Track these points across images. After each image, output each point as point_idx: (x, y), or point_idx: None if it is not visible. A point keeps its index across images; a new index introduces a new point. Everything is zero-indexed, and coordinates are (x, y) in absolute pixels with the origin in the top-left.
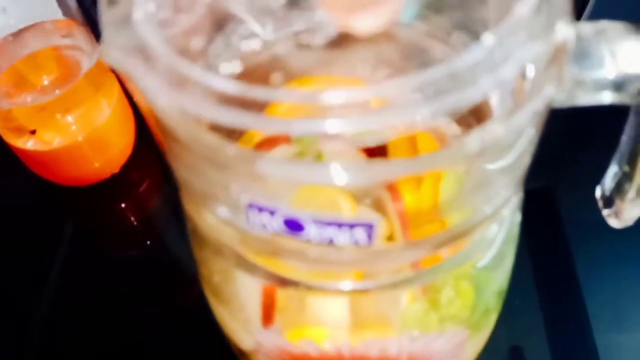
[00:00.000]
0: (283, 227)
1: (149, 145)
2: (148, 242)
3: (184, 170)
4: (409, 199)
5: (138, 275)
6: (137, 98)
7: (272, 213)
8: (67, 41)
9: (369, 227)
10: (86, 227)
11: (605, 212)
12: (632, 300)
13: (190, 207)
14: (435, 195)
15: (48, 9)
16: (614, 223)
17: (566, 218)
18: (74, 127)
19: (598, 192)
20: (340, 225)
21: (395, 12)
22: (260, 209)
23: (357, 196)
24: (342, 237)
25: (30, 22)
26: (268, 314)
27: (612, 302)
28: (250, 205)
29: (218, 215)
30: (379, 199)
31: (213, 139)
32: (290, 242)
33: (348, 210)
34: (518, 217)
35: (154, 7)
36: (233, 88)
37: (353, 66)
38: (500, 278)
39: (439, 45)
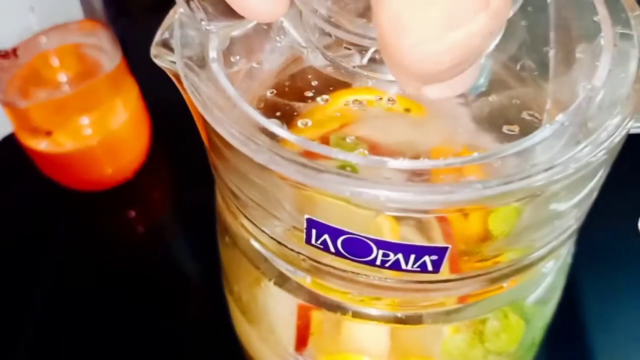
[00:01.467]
0: (347, 248)
1: (163, 153)
2: (156, 252)
3: (236, 182)
4: (461, 229)
5: (144, 286)
6: (192, 109)
7: (336, 234)
8: (89, 40)
9: (441, 252)
10: (92, 234)
11: None
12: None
13: (232, 220)
14: (488, 227)
15: (75, 10)
16: None
17: None
18: (89, 131)
19: None
20: (411, 250)
21: (467, 85)
22: (323, 229)
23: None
24: (410, 263)
25: (57, 22)
26: (302, 338)
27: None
28: (312, 224)
29: (267, 229)
30: (423, 226)
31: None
32: (343, 264)
33: (389, 233)
34: (572, 249)
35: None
36: (297, 141)
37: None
38: (550, 311)
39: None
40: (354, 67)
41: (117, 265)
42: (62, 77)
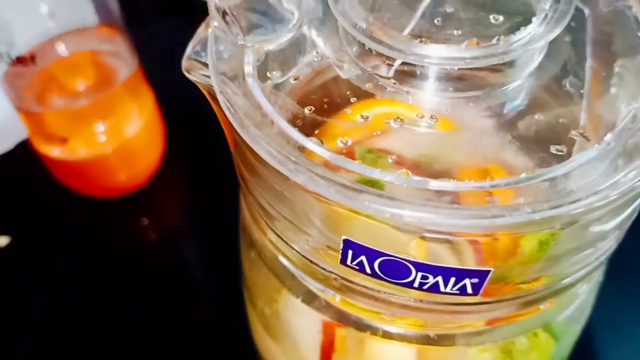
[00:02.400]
0: (384, 270)
1: (178, 159)
2: (169, 261)
3: (269, 198)
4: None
5: (157, 294)
6: (225, 125)
7: (374, 256)
8: (106, 46)
9: (483, 275)
10: (105, 241)
11: None
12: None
13: (260, 236)
14: (530, 250)
15: (91, 16)
16: None
17: None
18: (104, 138)
19: None
20: (451, 272)
21: None
22: (360, 251)
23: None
24: (449, 285)
25: (73, 27)
26: (327, 354)
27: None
28: (349, 245)
29: (297, 246)
30: (456, 248)
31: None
32: (373, 283)
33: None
34: (604, 267)
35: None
36: (345, 164)
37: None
38: (580, 328)
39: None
40: (394, 82)
41: (130, 272)
42: (79, 85)
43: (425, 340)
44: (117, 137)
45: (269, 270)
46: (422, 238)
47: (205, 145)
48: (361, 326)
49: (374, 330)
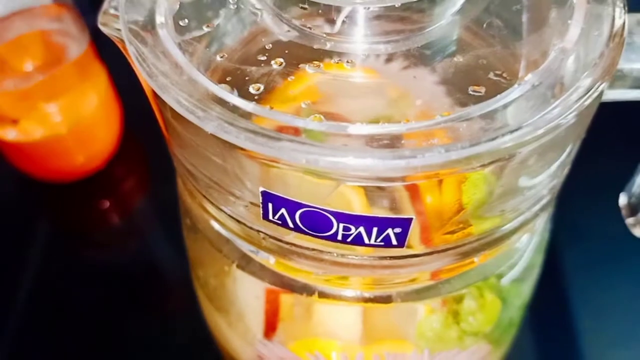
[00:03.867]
0: (306, 223)
1: (136, 141)
2: (132, 244)
3: (189, 157)
4: (429, 198)
5: (121, 279)
6: (141, 79)
7: (294, 208)
8: (55, 25)
9: (405, 224)
10: (66, 227)
11: (629, 221)
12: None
13: (191, 201)
14: (458, 196)
15: None
16: (638, 232)
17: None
18: (58, 118)
19: (623, 200)
20: (372, 222)
21: None
22: (280, 203)
23: (370, 195)
24: (373, 236)
25: (21, 8)
26: (271, 323)
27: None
28: (268, 198)
29: (226, 207)
30: (395, 199)
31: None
32: (305, 241)
33: (358, 207)
34: (549, 225)
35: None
36: (255, 110)
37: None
38: (528, 290)
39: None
40: (311, 29)
41: (92, 256)
42: (28, 66)
43: (364, 299)
44: (70, 116)
45: (204, 237)
46: (355, 189)
47: None
48: (298, 289)
49: (310, 292)
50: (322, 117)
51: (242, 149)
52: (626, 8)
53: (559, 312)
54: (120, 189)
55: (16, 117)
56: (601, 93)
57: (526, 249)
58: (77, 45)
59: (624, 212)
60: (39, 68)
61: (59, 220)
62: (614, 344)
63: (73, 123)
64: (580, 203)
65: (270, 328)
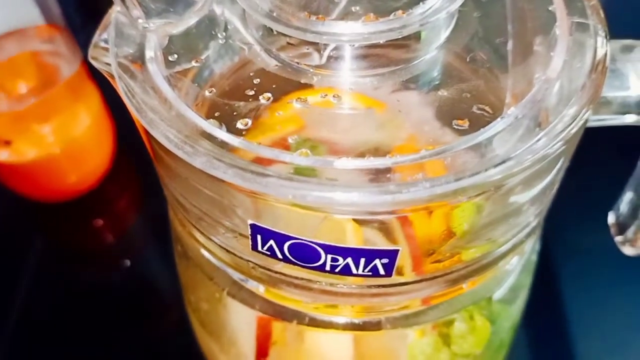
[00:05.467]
0: (295, 254)
1: (129, 160)
2: (125, 264)
3: (179, 189)
4: (418, 227)
5: (115, 298)
6: (133, 115)
7: (282, 240)
8: (47, 46)
9: (392, 254)
10: (60, 246)
11: (618, 239)
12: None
13: (182, 229)
14: (447, 224)
15: (32, 15)
16: (628, 251)
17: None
18: (51, 139)
19: (611, 219)
20: (360, 253)
21: None
22: (268, 235)
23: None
24: (360, 267)
25: (13, 28)
26: (263, 349)
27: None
28: (257, 230)
29: (216, 237)
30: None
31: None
32: (293, 270)
33: (353, 238)
34: (537, 246)
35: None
36: (243, 145)
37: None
38: (517, 311)
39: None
40: (298, 63)
41: (86, 275)
42: (22, 87)
43: (354, 326)
44: (63, 137)
45: (195, 264)
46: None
47: None
48: (288, 316)
49: (300, 320)
50: (309, 152)
51: (230, 183)
52: (607, 37)
53: (553, 325)
54: (113, 208)
55: (9, 139)
56: (586, 121)
57: (514, 271)
58: (69, 66)
59: (612, 231)
60: (32, 89)
61: (52, 240)
62: (608, 355)
63: (66, 143)
64: (573, 217)
65: (261, 353)
